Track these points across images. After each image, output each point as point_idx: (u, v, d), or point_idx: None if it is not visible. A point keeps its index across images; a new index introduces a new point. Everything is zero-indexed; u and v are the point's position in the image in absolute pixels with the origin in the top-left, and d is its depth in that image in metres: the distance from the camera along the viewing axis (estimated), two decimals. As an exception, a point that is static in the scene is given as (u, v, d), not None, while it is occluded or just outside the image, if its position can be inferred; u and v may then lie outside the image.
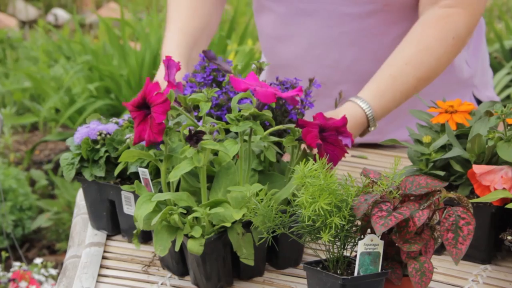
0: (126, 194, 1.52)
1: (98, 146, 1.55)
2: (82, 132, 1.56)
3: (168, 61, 1.43)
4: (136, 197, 1.45)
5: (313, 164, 1.26)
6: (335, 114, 1.65)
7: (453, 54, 1.77)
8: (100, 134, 1.55)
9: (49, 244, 3.52)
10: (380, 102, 1.70)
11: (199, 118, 1.42)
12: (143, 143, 1.39)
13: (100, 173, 1.54)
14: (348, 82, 1.87)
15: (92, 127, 1.56)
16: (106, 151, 1.54)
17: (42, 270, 3.00)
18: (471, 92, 1.98)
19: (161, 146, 1.41)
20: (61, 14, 6.42)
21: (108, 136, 1.55)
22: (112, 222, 1.59)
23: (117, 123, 1.59)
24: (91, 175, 1.55)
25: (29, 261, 3.35)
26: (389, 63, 1.73)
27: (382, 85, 1.72)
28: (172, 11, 1.85)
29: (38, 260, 3.07)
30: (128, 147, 1.51)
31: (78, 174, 1.57)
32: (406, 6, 1.80)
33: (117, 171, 1.49)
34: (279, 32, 1.89)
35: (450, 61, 1.77)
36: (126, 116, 1.60)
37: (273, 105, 1.49)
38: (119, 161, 1.45)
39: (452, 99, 1.78)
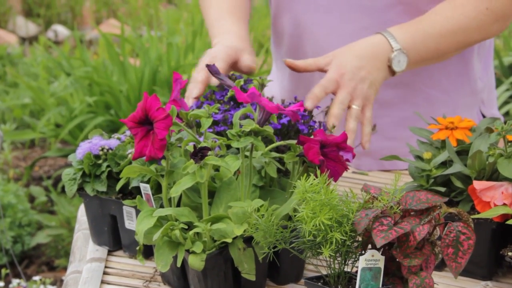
0: (127, 209, 1.52)
1: (100, 161, 1.55)
2: (84, 147, 1.56)
3: (175, 77, 1.44)
4: (138, 212, 1.45)
5: (314, 179, 1.27)
6: (357, 43, 1.67)
7: (483, 25, 1.77)
8: (102, 149, 1.56)
9: (48, 261, 3.51)
10: (402, 31, 1.71)
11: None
12: (144, 157, 1.40)
13: (102, 188, 1.54)
14: None
15: (94, 142, 1.57)
16: (108, 166, 1.55)
17: (41, 287, 3.00)
18: (478, 107, 1.99)
19: (163, 162, 1.42)
20: (61, 30, 6.44)
21: (110, 151, 1.56)
22: (113, 237, 1.59)
23: (119, 139, 1.60)
24: (93, 190, 1.55)
25: (28, 278, 3.34)
26: (422, 16, 1.76)
27: (407, 23, 1.73)
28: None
29: (36, 277, 3.06)
30: (130, 162, 1.51)
31: (80, 190, 1.58)
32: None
33: (118, 186, 1.50)
34: (299, 31, 1.90)
35: (480, 30, 1.78)
36: (128, 131, 1.60)
37: (275, 120, 1.49)
38: (120, 176, 1.45)
39: (463, 111, 1.80)
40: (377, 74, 1.67)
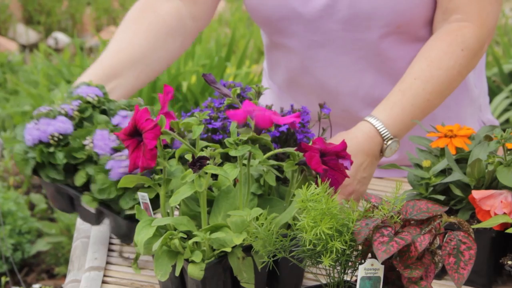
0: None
1: (52, 149, 1.47)
2: (33, 135, 1.47)
3: (166, 89, 1.44)
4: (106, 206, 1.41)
5: (315, 188, 1.26)
6: (346, 133, 1.67)
7: (464, 66, 1.75)
8: (52, 138, 1.48)
9: (48, 268, 3.51)
10: (390, 115, 1.70)
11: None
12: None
13: (59, 176, 1.48)
14: (369, 108, 1.87)
15: (43, 129, 1.47)
16: (65, 157, 1.47)
17: (41, 295, 3.00)
18: (478, 115, 1.99)
19: (159, 169, 1.41)
20: (61, 37, 6.45)
21: (61, 136, 1.47)
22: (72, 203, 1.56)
23: (66, 114, 1.49)
24: (47, 176, 1.49)
25: (28, 286, 3.34)
26: (401, 80, 1.75)
27: (391, 100, 1.72)
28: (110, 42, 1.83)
29: (36, 285, 3.06)
30: (90, 155, 1.46)
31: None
32: (419, 25, 1.81)
33: (79, 182, 1.46)
34: (296, 66, 1.90)
35: (462, 74, 1.76)
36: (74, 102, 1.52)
37: (272, 128, 1.49)
38: (118, 186, 1.44)
39: (464, 123, 1.79)
40: (372, 169, 1.68)
